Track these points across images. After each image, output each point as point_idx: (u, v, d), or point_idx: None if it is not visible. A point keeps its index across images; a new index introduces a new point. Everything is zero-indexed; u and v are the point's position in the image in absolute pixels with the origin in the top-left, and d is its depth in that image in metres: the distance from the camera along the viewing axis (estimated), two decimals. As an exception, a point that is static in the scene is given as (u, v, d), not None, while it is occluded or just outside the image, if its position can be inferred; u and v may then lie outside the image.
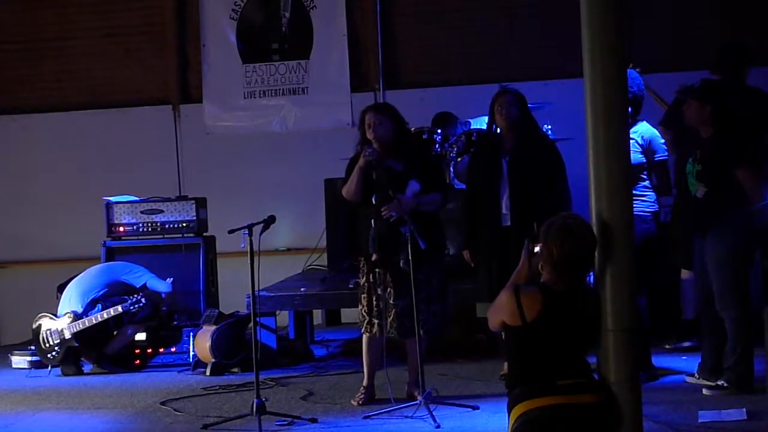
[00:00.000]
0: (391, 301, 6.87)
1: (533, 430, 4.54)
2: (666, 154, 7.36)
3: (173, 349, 8.79)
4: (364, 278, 6.99)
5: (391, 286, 6.87)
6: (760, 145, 6.94)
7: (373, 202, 6.87)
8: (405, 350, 7.06)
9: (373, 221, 6.86)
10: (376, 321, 6.92)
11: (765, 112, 7.03)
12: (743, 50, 7.86)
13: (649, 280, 7.29)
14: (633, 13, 9.54)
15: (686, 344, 8.04)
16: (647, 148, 7.29)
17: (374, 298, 6.93)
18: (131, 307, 8.41)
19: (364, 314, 6.99)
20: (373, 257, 6.87)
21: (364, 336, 7.02)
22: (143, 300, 8.45)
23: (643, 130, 7.33)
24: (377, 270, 6.91)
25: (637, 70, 7.36)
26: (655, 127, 7.48)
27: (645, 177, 7.31)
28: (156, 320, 8.73)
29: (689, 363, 7.34)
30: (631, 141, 7.04)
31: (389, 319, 6.88)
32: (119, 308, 8.42)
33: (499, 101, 7.25)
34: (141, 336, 8.66)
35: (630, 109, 7.20)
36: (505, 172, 7.19)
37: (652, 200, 7.34)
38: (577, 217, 4.71)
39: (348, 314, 9.80)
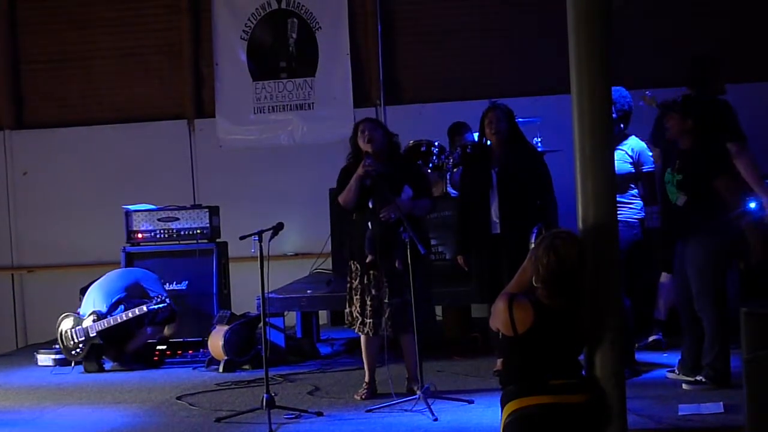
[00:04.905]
0: (386, 300, 6.84)
1: (523, 426, 4.53)
2: (653, 166, 7.35)
3: (190, 351, 8.80)
4: (357, 280, 6.96)
5: (385, 286, 6.84)
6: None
7: (370, 206, 6.86)
8: (401, 348, 7.03)
9: (370, 223, 6.84)
10: (369, 321, 6.88)
11: (723, 121, 7.00)
12: (710, 62, 7.76)
13: (636, 282, 7.28)
14: (622, 32, 9.52)
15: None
16: (636, 160, 7.29)
17: (368, 299, 6.90)
18: (155, 306, 8.40)
19: (357, 315, 6.94)
20: (369, 258, 6.85)
21: (361, 336, 7.00)
22: (168, 300, 8.44)
23: (633, 144, 7.35)
24: (372, 271, 6.89)
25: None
26: (643, 141, 7.47)
27: (633, 186, 7.31)
28: (173, 323, 8.74)
29: (670, 360, 7.32)
30: (622, 153, 7.13)
31: (384, 318, 6.85)
32: (144, 308, 8.40)
33: (489, 116, 7.24)
34: (161, 346, 8.71)
35: (621, 125, 7.25)
36: (495, 182, 7.18)
37: (639, 207, 7.33)
38: (567, 235, 4.65)
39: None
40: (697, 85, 7.36)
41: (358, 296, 6.94)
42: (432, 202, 7.09)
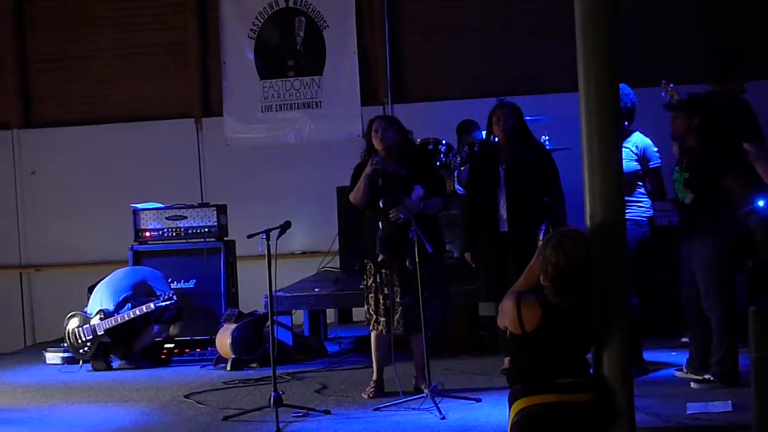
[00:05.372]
0: (398, 299, 6.86)
1: (530, 425, 4.52)
2: (659, 161, 7.33)
3: (197, 349, 8.81)
4: (371, 279, 6.97)
5: (397, 286, 6.86)
6: (742, 153, 6.87)
7: (381, 206, 6.87)
8: (411, 347, 7.04)
9: (381, 224, 6.85)
10: (382, 319, 6.91)
11: (742, 121, 6.94)
12: (731, 58, 7.67)
13: (645, 280, 7.27)
14: (625, 30, 9.48)
15: (684, 339, 7.99)
16: (641, 156, 7.26)
17: (381, 298, 6.91)
18: (162, 304, 8.41)
19: (372, 313, 6.97)
20: (380, 258, 6.86)
21: (372, 334, 7.01)
22: (175, 297, 8.45)
23: (637, 140, 7.31)
24: (384, 270, 6.90)
25: None
26: (648, 138, 7.44)
27: (641, 184, 7.29)
28: (179, 322, 8.75)
29: (678, 358, 7.31)
30: (627, 150, 7.05)
31: (395, 317, 6.87)
32: (152, 305, 8.41)
33: (497, 114, 7.24)
34: (169, 345, 8.73)
35: (626, 123, 7.22)
36: (502, 179, 7.18)
37: (648, 206, 7.31)
38: (575, 234, 4.63)
39: (359, 313, 9.73)
40: (719, 82, 7.28)
41: (372, 294, 6.96)
42: (444, 201, 7.10)
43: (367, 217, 7.03)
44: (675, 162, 7.11)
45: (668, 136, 7.10)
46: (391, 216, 6.79)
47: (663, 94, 7.36)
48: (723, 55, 7.44)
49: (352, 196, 7.00)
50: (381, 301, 6.91)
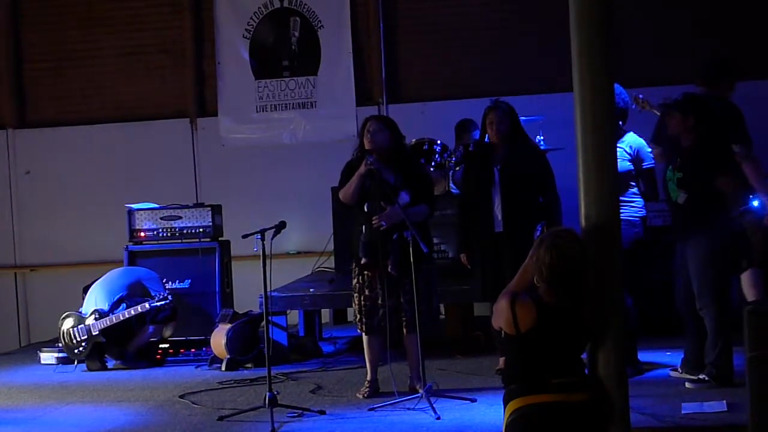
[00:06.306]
0: (380, 302, 6.85)
1: (525, 425, 4.52)
2: (653, 162, 7.34)
3: (192, 350, 8.80)
4: (356, 280, 6.98)
5: (379, 288, 6.85)
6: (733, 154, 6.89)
7: (365, 210, 6.87)
8: (404, 347, 7.04)
9: (363, 228, 6.85)
10: (364, 319, 6.92)
11: (732, 123, 6.97)
12: (724, 64, 7.73)
13: (639, 280, 7.27)
14: (621, 31, 9.51)
15: None
16: (635, 156, 7.26)
17: (362, 299, 6.92)
18: (157, 304, 8.39)
19: (356, 312, 6.99)
20: (362, 261, 6.86)
21: (363, 335, 7.01)
22: (170, 297, 8.44)
23: (630, 140, 7.31)
24: (366, 273, 6.90)
25: None
26: (641, 138, 7.44)
27: (634, 184, 7.29)
28: (173, 322, 8.73)
29: (673, 358, 7.31)
30: (621, 150, 7.05)
31: (377, 318, 6.86)
32: (147, 305, 8.40)
33: (490, 116, 7.23)
34: (164, 345, 8.71)
35: (620, 122, 7.22)
36: (497, 180, 7.17)
37: (641, 206, 7.31)
38: (568, 234, 4.64)
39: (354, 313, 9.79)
40: (707, 84, 7.31)
41: (356, 294, 6.97)
42: (431, 208, 7.01)
43: (355, 219, 7.02)
44: (666, 164, 7.13)
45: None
46: (374, 223, 6.80)
47: (633, 106, 7.39)
48: (713, 58, 7.49)
49: (342, 194, 7.00)
50: (362, 302, 6.91)
